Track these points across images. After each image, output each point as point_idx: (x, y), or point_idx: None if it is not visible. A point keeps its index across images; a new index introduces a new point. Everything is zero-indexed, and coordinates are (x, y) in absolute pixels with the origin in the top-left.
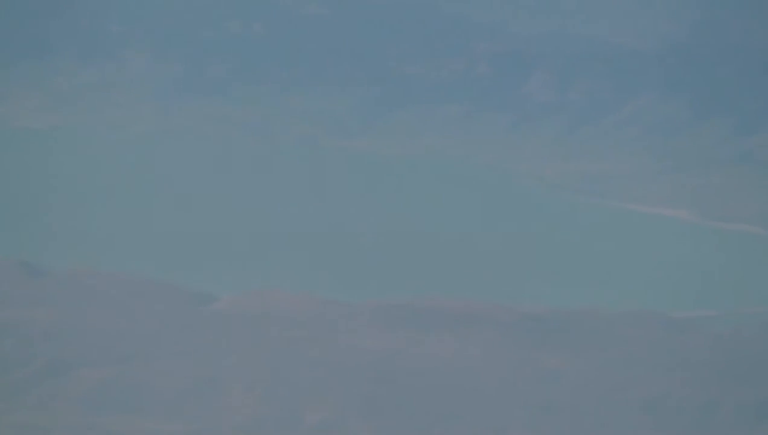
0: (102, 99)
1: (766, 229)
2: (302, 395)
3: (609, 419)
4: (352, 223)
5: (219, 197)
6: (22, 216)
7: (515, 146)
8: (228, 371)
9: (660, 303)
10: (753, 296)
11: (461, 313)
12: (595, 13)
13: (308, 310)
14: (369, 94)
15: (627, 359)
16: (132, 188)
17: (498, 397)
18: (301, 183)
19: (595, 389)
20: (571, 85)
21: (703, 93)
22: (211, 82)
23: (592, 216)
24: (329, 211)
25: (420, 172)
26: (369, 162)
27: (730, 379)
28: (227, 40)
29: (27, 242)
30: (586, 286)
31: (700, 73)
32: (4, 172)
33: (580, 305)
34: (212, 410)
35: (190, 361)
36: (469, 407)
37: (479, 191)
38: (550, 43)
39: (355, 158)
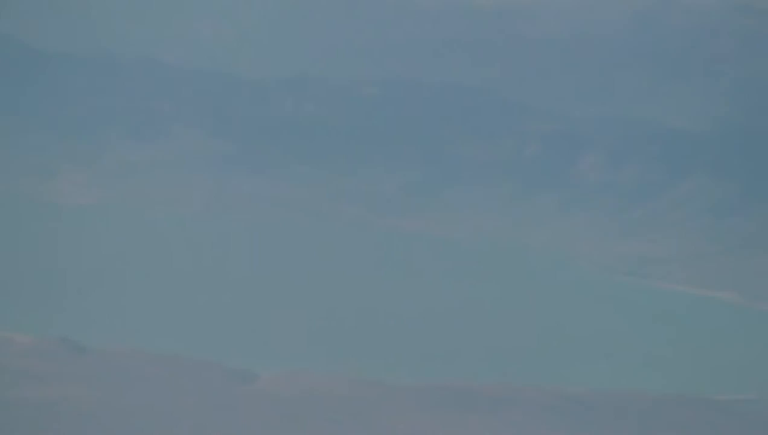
0: (151, 177)
1: None
2: None
3: None
4: (396, 303)
5: (266, 276)
6: (67, 293)
7: (565, 227)
8: None
9: (705, 385)
10: None
11: (500, 395)
12: (648, 95)
13: (346, 390)
14: (419, 174)
15: None
16: (178, 266)
17: None
18: (349, 263)
19: None
20: (622, 166)
21: (755, 175)
22: (261, 160)
23: (640, 297)
24: (375, 291)
25: (468, 252)
26: (418, 242)
27: None
28: (280, 119)
29: (70, 319)
30: (631, 367)
31: (752, 156)
32: (51, 248)
33: (623, 387)
34: None
35: None
36: None
37: (527, 272)
38: (602, 124)
39: (404, 239)
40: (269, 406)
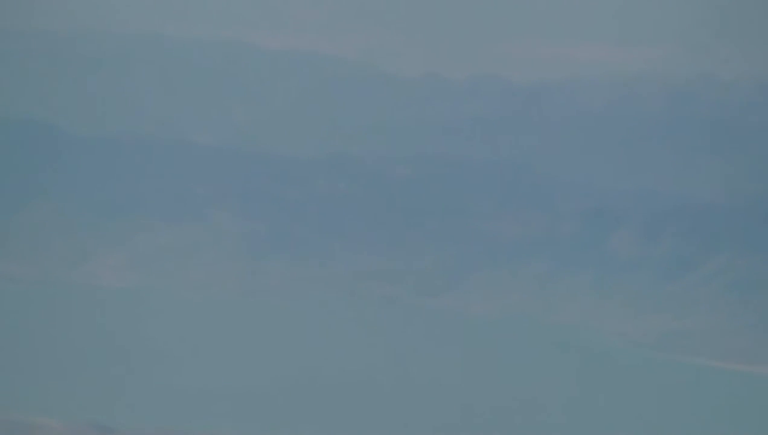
0: (185, 259)
1: None
2: None
3: None
4: (428, 381)
5: (300, 357)
6: (99, 376)
7: (598, 304)
8: None
9: None
10: None
11: None
12: (681, 170)
13: None
14: (452, 252)
15: None
16: (211, 349)
17: None
18: (382, 342)
19: None
20: (654, 241)
21: None
22: (295, 241)
23: (673, 373)
24: (411, 370)
25: (502, 330)
26: (451, 321)
27: None
28: (313, 198)
29: (102, 404)
30: None
31: None
32: (85, 331)
33: None
34: None
35: None
36: None
37: (560, 350)
38: (635, 200)
39: (436, 317)
40: None
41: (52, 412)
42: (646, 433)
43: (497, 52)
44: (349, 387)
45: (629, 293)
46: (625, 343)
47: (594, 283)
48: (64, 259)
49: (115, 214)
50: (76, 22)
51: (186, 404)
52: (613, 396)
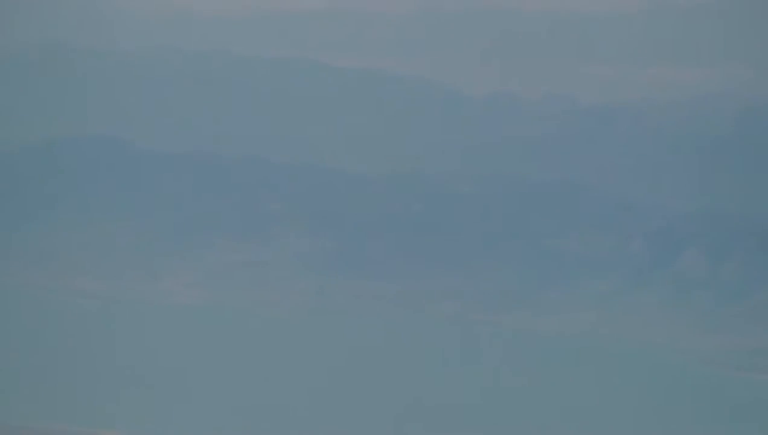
0: (255, 277)
1: None
2: None
3: None
4: (496, 400)
5: (369, 376)
6: (169, 391)
7: (667, 322)
8: None
9: None
10: None
11: None
12: (748, 190)
13: None
14: (521, 270)
15: None
16: (285, 368)
17: None
18: (450, 360)
19: None
20: (723, 261)
21: None
22: (363, 259)
23: (744, 392)
24: (481, 389)
25: (570, 349)
26: (519, 339)
27: None
28: (381, 216)
29: (174, 419)
30: None
31: None
32: (158, 350)
33: None
34: None
35: None
36: None
37: (630, 367)
38: (704, 220)
39: (505, 335)
40: None
41: (130, 428)
42: None
43: (567, 73)
44: (417, 404)
45: (698, 312)
46: (694, 361)
47: (662, 302)
48: (135, 275)
49: (186, 230)
50: (153, 40)
51: (256, 420)
52: (683, 413)
